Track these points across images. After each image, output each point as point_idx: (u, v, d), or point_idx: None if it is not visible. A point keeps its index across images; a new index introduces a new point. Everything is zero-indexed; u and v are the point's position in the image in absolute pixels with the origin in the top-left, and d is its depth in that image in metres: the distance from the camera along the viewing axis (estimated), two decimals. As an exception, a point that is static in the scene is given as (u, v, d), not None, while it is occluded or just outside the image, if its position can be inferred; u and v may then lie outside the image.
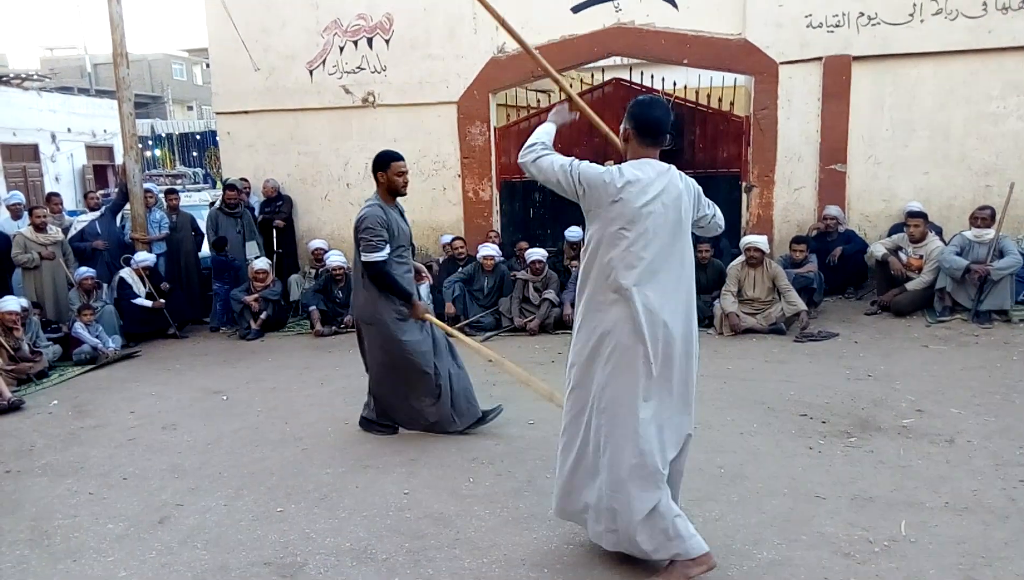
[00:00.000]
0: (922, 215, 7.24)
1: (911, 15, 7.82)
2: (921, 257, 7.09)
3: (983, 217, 6.91)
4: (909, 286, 7.06)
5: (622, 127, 3.01)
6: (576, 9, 8.64)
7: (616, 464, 2.82)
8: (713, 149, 8.95)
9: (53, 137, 20.86)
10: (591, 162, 3.01)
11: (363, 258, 4.39)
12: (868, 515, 3.33)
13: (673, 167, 2.98)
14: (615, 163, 3.09)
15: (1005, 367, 5.39)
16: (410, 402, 4.56)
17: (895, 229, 7.77)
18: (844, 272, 7.85)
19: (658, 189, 2.85)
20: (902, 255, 7.23)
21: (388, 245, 4.41)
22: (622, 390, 2.81)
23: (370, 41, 9.20)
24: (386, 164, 4.52)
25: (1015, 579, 2.80)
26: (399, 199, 4.73)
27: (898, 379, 5.23)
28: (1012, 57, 7.72)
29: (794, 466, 3.88)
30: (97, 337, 7.18)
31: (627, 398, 2.80)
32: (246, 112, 9.65)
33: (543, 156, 3.16)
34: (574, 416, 3.02)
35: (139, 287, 7.93)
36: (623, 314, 2.80)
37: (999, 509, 3.32)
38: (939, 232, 7.56)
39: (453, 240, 8.53)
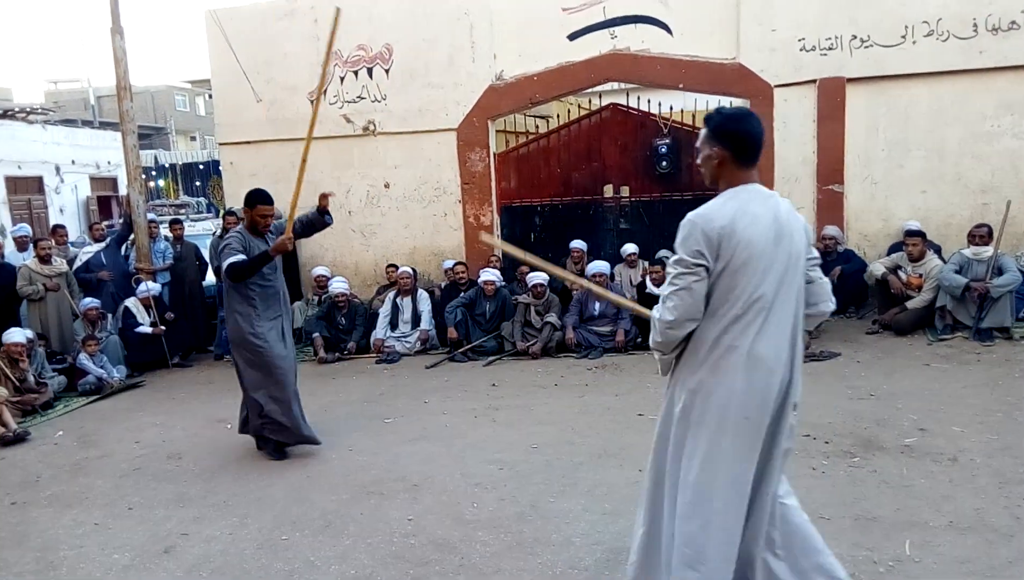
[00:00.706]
0: (920, 234, 7.29)
1: (903, 37, 7.92)
2: (920, 275, 7.12)
3: (981, 235, 6.95)
4: (909, 305, 7.09)
5: (707, 152, 2.52)
6: (573, 36, 8.77)
7: None
8: (710, 172, 8.99)
9: (57, 169, 21.04)
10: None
11: (222, 266, 4.70)
12: (872, 535, 3.33)
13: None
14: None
15: (1007, 385, 5.39)
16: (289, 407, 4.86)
17: (894, 248, 7.81)
18: (844, 291, 7.85)
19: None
20: (901, 274, 7.26)
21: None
22: None
23: (370, 71, 9.33)
24: (252, 204, 4.86)
25: (1020, 597, 2.80)
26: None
27: (900, 398, 5.24)
28: (1003, 77, 7.80)
29: (798, 487, 3.84)
30: (102, 367, 7.22)
31: None
32: (248, 142, 9.76)
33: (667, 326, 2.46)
34: None
35: (143, 317, 7.97)
36: None
37: (1003, 527, 3.32)
38: (938, 250, 7.59)
39: (455, 265, 8.58)
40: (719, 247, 2.38)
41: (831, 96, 8.14)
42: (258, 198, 4.88)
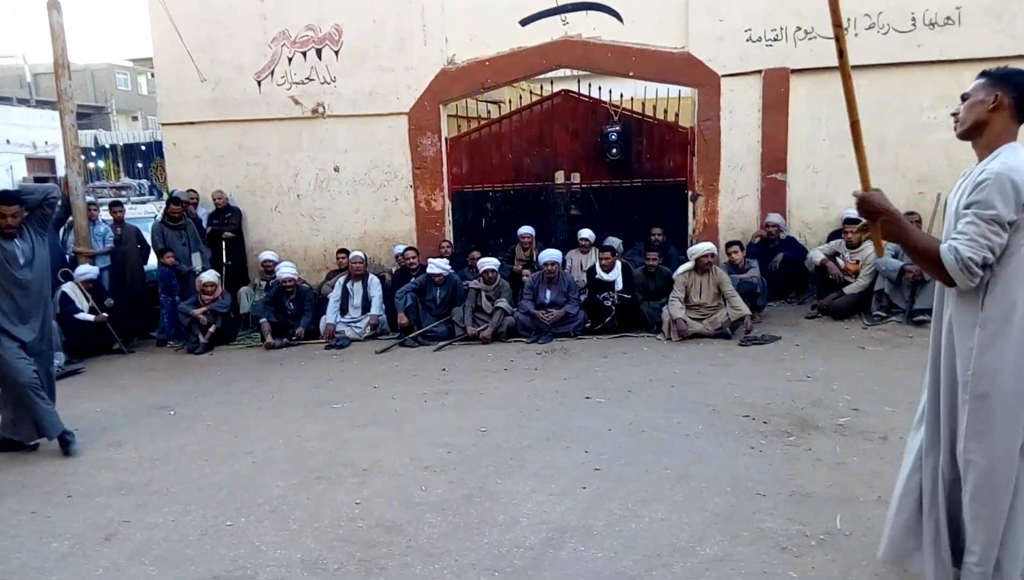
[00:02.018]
0: (858, 221, 7.51)
1: (845, 29, 8.12)
2: (858, 262, 7.37)
3: (913, 222, 7.24)
4: (847, 290, 7.33)
5: (982, 97, 2.40)
6: (524, 22, 8.77)
7: None
8: (660, 159, 9.15)
9: (-9, 149, 20.23)
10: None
11: None
12: (806, 510, 3.46)
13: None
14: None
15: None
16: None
17: (833, 235, 8.05)
18: (785, 278, 8.10)
19: None
20: (840, 260, 7.50)
21: None
22: None
23: (319, 52, 9.19)
24: None
25: (941, 567, 2.94)
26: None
27: (836, 380, 5.43)
28: (940, 70, 8.09)
29: (737, 465, 4.01)
30: (39, 354, 6.99)
31: None
32: (192, 123, 9.54)
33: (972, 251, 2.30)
34: None
35: (82, 302, 7.76)
36: None
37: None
38: (875, 238, 7.84)
39: (405, 250, 8.54)
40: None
41: (776, 86, 8.32)
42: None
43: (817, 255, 7.60)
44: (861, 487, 3.67)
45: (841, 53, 2.50)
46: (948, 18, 7.93)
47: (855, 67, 8.24)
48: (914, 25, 8.00)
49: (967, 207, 2.33)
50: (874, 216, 2.48)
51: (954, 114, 2.56)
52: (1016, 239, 2.29)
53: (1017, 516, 2.37)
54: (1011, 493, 2.35)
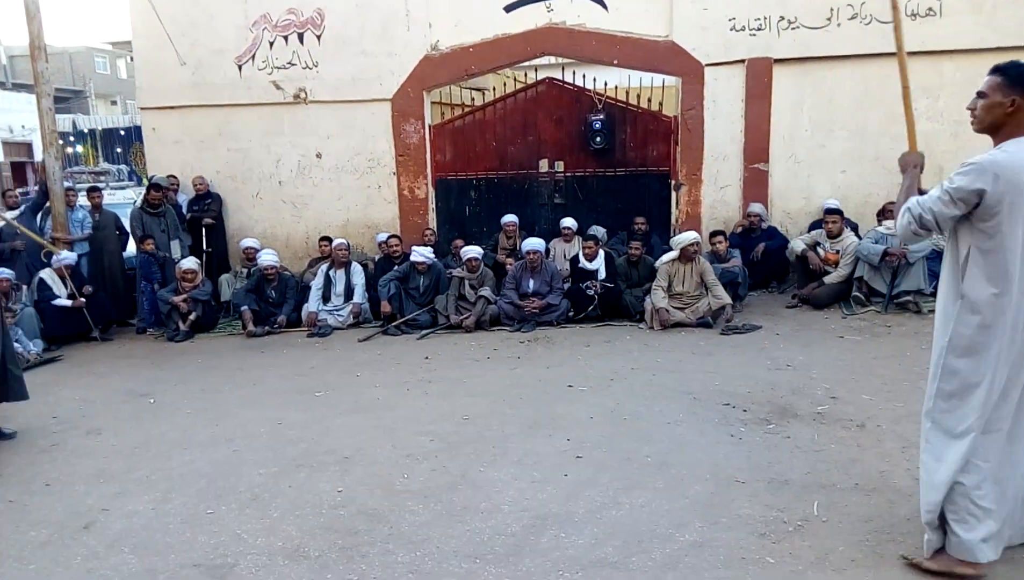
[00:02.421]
0: (839, 212, 7.59)
1: (828, 19, 8.17)
2: (838, 252, 7.43)
3: (894, 211, 7.33)
4: (827, 280, 7.39)
5: (1000, 99, 2.62)
6: (509, 8, 8.73)
7: None
8: (643, 148, 9.16)
9: (-35, 133, 19.87)
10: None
11: None
12: (784, 497, 3.50)
13: None
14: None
15: (915, 356, 5.69)
16: None
17: (814, 225, 8.11)
18: (767, 267, 8.15)
19: None
20: (820, 250, 7.56)
21: None
22: None
23: (301, 36, 9.09)
24: None
25: (916, 551, 2.99)
26: None
27: (815, 368, 5.48)
28: (920, 61, 8.09)
29: (716, 453, 4.05)
30: (16, 341, 6.91)
31: None
32: (172, 108, 9.42)
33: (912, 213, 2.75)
34: None
35: (60, 288, 7.67)
36: None
37: (904, 488, 3.53)
38: (855, 228, 7.92)
39: (388, 238, 8.51)
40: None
41: (759, 76, 8.34)
42: None
43: (798, 245, 7.66)
44: (838, 474, 3.72)
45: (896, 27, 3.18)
46: (930, 9, 7.97)
47: (837, 57, 8.23)
48: (896, 16, 8.03)
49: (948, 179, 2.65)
50: (904, 169, 3.08)
51: (971, 109, 2.73)
52: (991, 225, 2.58)
53: None
54: None
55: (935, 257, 7.41)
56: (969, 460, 2.68)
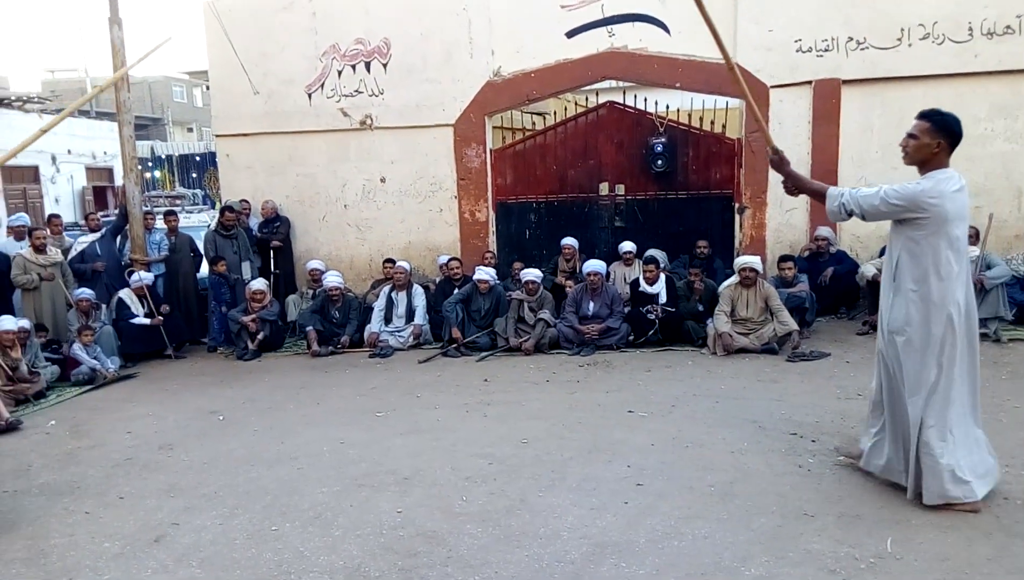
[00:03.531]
0: (912, 236, 7.32)
1: (899, 40, 7.97)
2: (911, 277, 7.16)
3: (968, 236, 7.07)
4: (899, 306, 7.13)
5: (928, 141, 3.42)
6: (570, 34, 8.79)
7: None
8: (706, 171, 9.06)
9: (53, 159, 21.00)
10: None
11: None
12: (855, 532, 3.37)
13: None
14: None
15: (993, 386, 5.44)
16: None
17: (885, 250, 7.84)
18: (835, 292, 7.92)
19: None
20: (892, 275, 7.30)
21: None
22: None
23: (368, 65, 9.34)
24: None
25: (997, 595, 2.85)
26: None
27: (887, 398, 5.28)
28: (997, 81, 7.86)
29: (783, 484, 3.93)
30: (95, 358, 7.23)
31: None
32: (245, 134, 9.77)
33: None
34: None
35: (138, 308, 7.99)
36: None
37: (983, 526, 3.36)
38: (929, 252, 7.64)
39: (449, 261, 8.60)
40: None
41: (826, 97, 8.18)
42: None
43: (869, 269, 7.42)
44: (912, 509, 3.56)
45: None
46: (1008, 27, 7.70)
47: (908, 78, 8.01)
48: (971, 35, 7.79)
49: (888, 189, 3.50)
50: (782, 167, 3.95)
51: (903, 146, 3.53)
52: (920, 234, 3.45)
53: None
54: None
55: (1015, 283, 7.11)
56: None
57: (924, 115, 3.45)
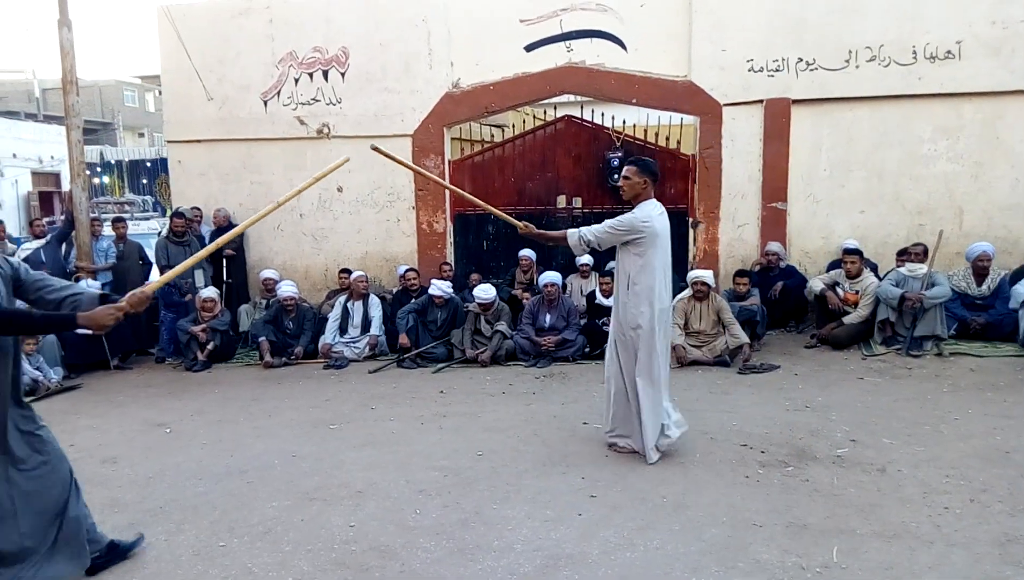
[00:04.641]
0: (858, 252, 7.54)
1: (847, 61, 8.21)
2: (857, 292, 7.37)
3: (916, 253, 7.35)
4: (846, 320, 7.32)
5: (638, 180, 4.49)
6: (529, 48, 8.86)
7: None
8: (661, 186, 9.09)
9: (-3, 162, 20.35)
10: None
11: None
12: (802, 542, 3.44)
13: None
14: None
15: (935, 399, 5.62)
16: None
17: (833, 265, 8.06)
18: (785, 306, 8.10)
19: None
20: (839, 290, 7.50)
21: None
22: None
23: (325, 73, 9.27)
24: None
25: (937, 602, 2.93)
26: None
27: (834, 410, 5.41)
28: (940, 103, 8.15)
29: (733, 495, 3.99)
30: (38, 368, 7.01)
31: None
32: (199, 141, 9.60)
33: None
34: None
35: (83, 317, 7.75)
36: None
37: (925, 535, 3.46)
38: (874, 268, 7.87)
39: (406, 271, 8.56)
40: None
41: (777, 116, 8.38)
42: None
43: (817, 284, 7.61)
44: (858, 519, 3.65)
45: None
46: (949, 52, 8.00)
47: (855, 98, 8.27)
48: (915, 58, 8.07)
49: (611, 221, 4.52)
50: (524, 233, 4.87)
51: (620, 186, 4.62)
52: (640, 250, 4.43)
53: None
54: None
55: (956, 299, 7.35)
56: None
57: (632, 162, 4.53)
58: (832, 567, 3.21)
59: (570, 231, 4.64)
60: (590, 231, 4.55)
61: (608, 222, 4.49)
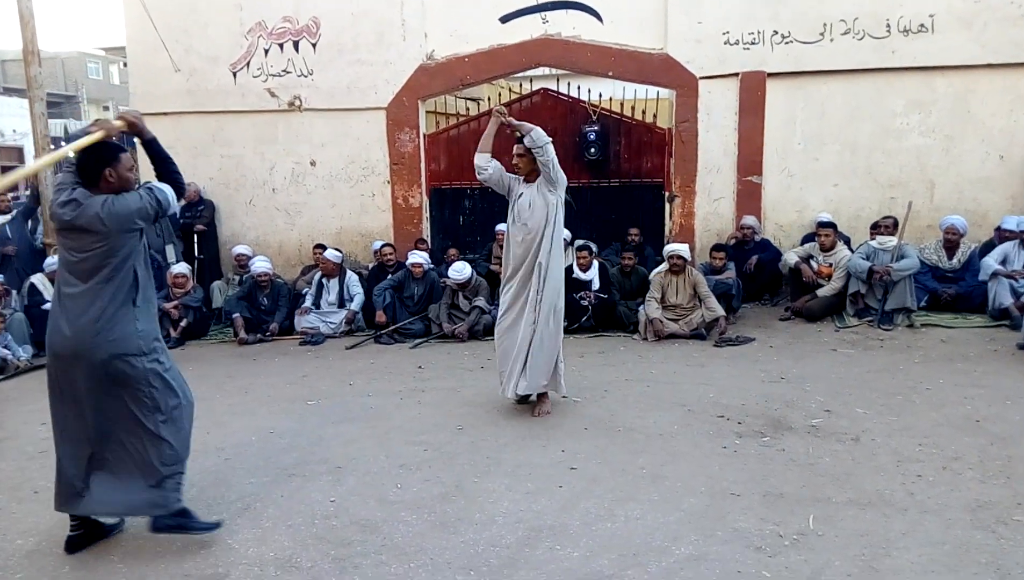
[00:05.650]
0: (832, 225, 7.62)
1: (822, 34, 8.22)
2: (831, 265, 7.45)
3: (886, 225, 7.45)
4: (820, 293, 7.41)
5: (527, 157, 4.83)
6: (504, 19, 8.75)
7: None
8: (638, 160, 9.19)
9: (-44, 136, 19.75)
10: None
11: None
12: (779, 510, 3.49)
13: None
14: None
15: (907, 369, 5.72)
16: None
17: (807, 238, 8.14)
18: (760, 279, 8.17)
19: None
20: (813, 263, 7.57)
21: None
22: None
23: (296, 44, 9.09)
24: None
25: (910, 566, 2.99)
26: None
27: (809, 381, 5.49)
28: (913, 76, 8.21)
29: (711, 465, 4.04)
30: (6, 346, 6.86)
31: None
32: (166, 113, 9.35)
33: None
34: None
35: (50, 293, 7.59)
36: None
37: (898, 502, 3.54)
38: (847, 241, 7.96)
39: (382, 246, 8.48)
40: None
41: (752, 90, 8.39)
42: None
43: (791, 257, 7.68)
44: (833, 488, 3.71)
45: None
46: (922, 25, 8.04)
47: (829, 72, 8.27)
48: (889, 32, 8.11)
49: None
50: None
51: (516, 165, 4.92)
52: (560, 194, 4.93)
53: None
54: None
55: (926, 271, 7.47)
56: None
57: (520, 141, 4.79)
58: (808, 534, 3.27)
59: (539, 129, 4.75)
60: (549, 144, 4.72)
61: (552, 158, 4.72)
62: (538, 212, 4.80)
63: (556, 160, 4.75)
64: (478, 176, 5.04)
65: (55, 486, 3.35)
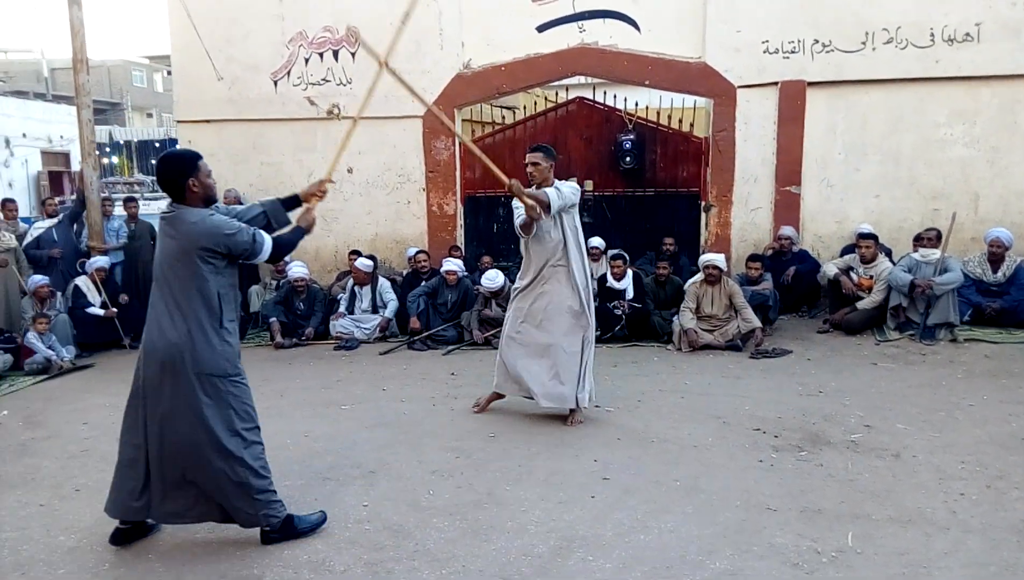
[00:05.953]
0: (873, 237, 7.48)
1: (863, 43, 8.11)
2: (871, 277, 7.32)
3: (929, 238, 7.27)
4: (860, 305, 7.28)
5: (547, 165, 4.87)
6: (541, 28, 8.78)
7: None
8: (674, 169, 9.13)
9: (7, 142, 20.39)
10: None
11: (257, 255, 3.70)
12: (817, 527, 3.43)
13: None
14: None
15: (950, 385, 5.58)
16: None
17: (847, 250, 8.00)
18: (798, 291, 8.05)
19: None
20: (853, 275, 7.44)
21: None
22: None
23: (336, 54, 9.22)
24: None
25: (953, 588, 2.92)
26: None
27: (848, 395, 5.39)
28: (957, 86, 8.05)
29: (747, 479, 3.98)
30: (50, 347, 7.04)
31: None
32: (208, 121, 9.57)
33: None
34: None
35: (94, 296, 7.79)
36: None
37: (940, 521, 3.45)
38: (889, 253, 7.80)
39: (417, 253, 8.54)
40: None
41: (792, 99, 8.29)
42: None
43: (830, 269, 7.56)
44: (873, 504, 3.63)
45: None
46: (967, 34, 7.89)
47: (871, 81, 8.16)
48: (933, 41, 7.96)
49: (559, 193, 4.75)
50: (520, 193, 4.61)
51: (531, 173, 4.86)
52: (575, 213, 4.95)
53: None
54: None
55: (970, 285, 7.29)
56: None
57: (536, 149, 4.89)
58: (847, 552, 3.20)
59: (549, 191, 4.68)
60: (560, 194, 4.70)
61: (558, 194, 4.69)
62: (555, 230, 4.90)
63: (569, 199, 4.80)
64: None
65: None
